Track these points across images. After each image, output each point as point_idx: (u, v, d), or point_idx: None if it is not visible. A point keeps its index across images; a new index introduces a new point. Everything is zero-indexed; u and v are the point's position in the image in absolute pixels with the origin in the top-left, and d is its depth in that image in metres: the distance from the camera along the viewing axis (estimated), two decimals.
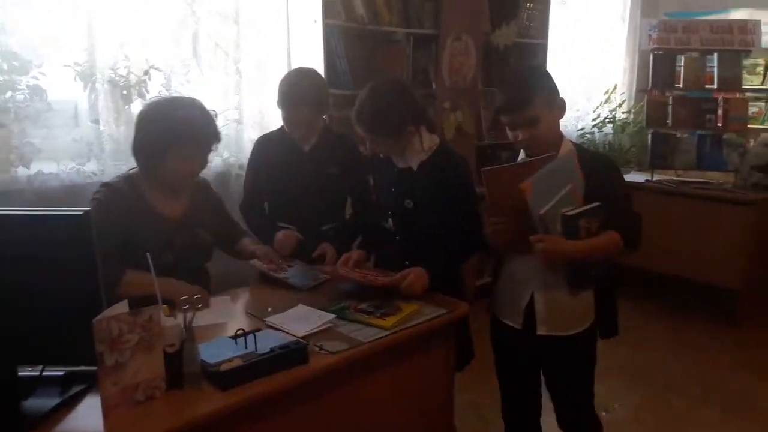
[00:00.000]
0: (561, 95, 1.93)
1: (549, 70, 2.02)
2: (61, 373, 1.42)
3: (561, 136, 1.95)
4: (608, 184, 1.87)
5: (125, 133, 2.73)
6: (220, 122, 3.00)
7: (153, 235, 1.92)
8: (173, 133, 1.90)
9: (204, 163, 2.02)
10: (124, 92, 2.71)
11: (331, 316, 1.78)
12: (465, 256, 2.14)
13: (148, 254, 1.45)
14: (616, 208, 1.83)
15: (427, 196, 2.09)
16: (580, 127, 5.32)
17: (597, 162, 1.93)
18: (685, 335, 3.82)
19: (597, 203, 1.79)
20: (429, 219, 2.09)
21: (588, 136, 5.32)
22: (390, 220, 2.20)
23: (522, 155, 2.00)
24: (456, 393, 2.03)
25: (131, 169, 2.04)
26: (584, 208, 1.78)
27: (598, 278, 1.90)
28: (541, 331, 1.94)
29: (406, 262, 2.04)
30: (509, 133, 1.96)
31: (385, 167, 2.21)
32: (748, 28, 4.28)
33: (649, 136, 4.39)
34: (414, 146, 2.10)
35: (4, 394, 1.33)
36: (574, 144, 1.98)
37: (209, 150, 2.01)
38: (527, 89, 1.87)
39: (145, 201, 1.98)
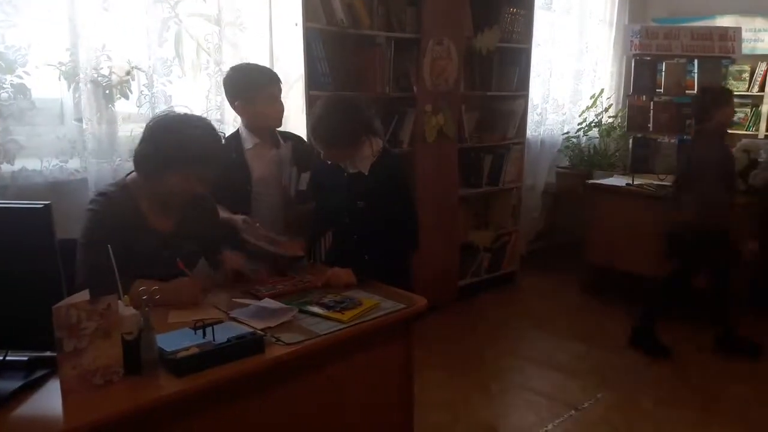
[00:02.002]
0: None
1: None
2: (26, 358, 1.49)
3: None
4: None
5: (107, 132, 2.82)
6: None
7: (142, 248, 1.93)
8: (185, 152, 1.88)
9: (207, 185, 2.01)
10: (107, 92, 2.78)
11: (294, 310, 1.85)
12: (403, 250, 2.35)
13: (109, 247, 1.52)
14: None
15: (376, 195, 2.25)
16: (565, 131, 5.39)
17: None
18: (663, 336, 3.88)
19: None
20: (378, 216, 2.24)
21: (573, 139, 5.40)
22: (347, 221, 2.35)
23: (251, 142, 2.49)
24: (427, 390, 2.11)
25: (128, 175, 2.03)
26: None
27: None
28: None
29: (366, 257, 2.21)
30: (269, 107, 2.46)
31: (335, 173, 2.35)
32: (729, 35, 4.35)
33: (630, 141, 4.46)
34: (364, 152, 2.27)
35: None
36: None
37: (215, 174, 1.99)
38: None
39: (139, 213, 1.98)
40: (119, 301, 1.46)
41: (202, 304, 1.93)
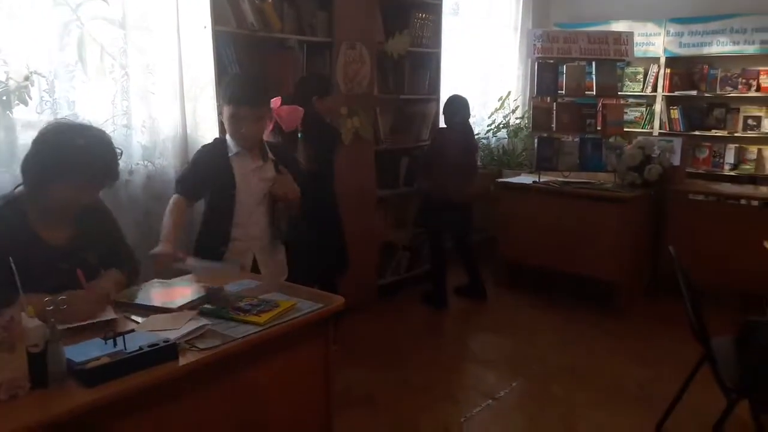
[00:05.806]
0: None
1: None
2: None
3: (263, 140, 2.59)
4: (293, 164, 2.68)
5: (6, 140, 2.69)
6: (108, 127, 3.01)
7: (35, 262, 1.83)
8: (67, 161, 1.83)
9: (93, 197, 1.98)
10: (4, 98, 2.65)
11: (206, 323, 1.78)
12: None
13: (11, 259, 1.47)
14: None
15: None
16: (476, 132, 5.56)
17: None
18: (570, 327, 4.08)
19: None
20: None
21: (483, 140, 5.58)
22: None
23: (234, 149, 2.50)
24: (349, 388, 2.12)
25: (17, 187, 1.96)
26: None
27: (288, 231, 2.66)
28: None
29: None
30: (230, 126, 2.45)
31: None
32: (622, 39, 4.63)
33: (536, 140, 4.67)
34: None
35: None
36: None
37: (102, 186, 1.97)
38: (266, 93, 2.55)
39: (27, 226, 1.90)
40: (23, 314, 1.41)
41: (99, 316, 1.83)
